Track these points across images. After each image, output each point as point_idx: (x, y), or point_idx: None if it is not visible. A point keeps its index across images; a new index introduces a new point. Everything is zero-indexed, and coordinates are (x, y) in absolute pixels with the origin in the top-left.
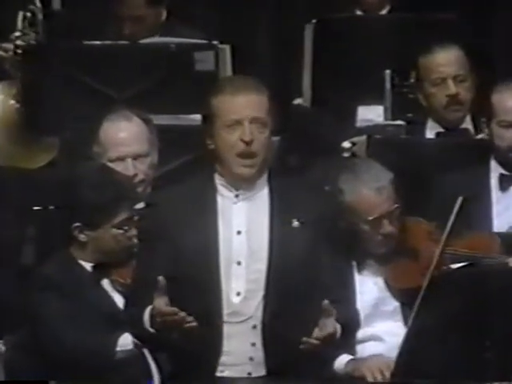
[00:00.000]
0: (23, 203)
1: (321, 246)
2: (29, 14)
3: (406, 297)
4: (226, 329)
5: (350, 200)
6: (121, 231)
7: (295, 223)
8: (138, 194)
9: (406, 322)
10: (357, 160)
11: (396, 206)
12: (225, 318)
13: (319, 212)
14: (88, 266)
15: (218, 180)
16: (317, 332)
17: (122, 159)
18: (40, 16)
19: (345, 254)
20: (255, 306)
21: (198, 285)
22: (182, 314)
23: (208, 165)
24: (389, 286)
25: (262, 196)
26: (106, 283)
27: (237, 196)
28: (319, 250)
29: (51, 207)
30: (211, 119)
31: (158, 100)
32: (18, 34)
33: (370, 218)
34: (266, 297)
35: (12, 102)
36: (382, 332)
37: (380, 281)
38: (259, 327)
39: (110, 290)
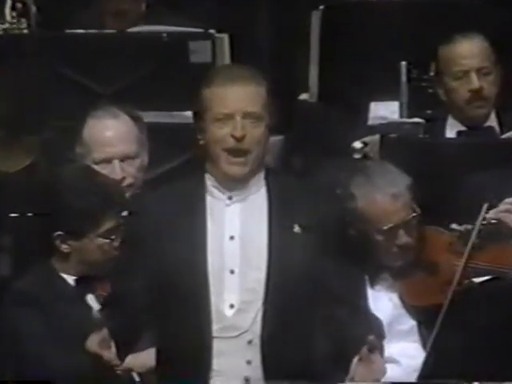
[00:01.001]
0: None
1: (326, 254)
2: (19, 5)
3: (423, 315)
4: (216, 345)
5: (363, 207)
6: (107, 241)
7: (296, 228)
8: (126, 200)
9: (423, 343)
10: (370, 163)
11: (413, 214)
12: (215, 333)
13: (324, 216)
14: (71, 279)
15: (209, 181)
16: (360, 370)
17: (108, 161)
18: (31, 6)
19: (355, 264)
20: (251, 319)
21: (184, 296)
22: (110, 357)
23: (199, 164)
24: (404, 302)
25: (259, 198)
26: (90, 299)
27: (230, 198)
28: (324, 259)
29: (30, 214)
30: (202, 113)
31: (149, 95)
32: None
33: (385, 228)
34: (264, 309)
35: None
36: (398, 354)
37: (395, 297)
38: (256, 342)
39: (95, 307)
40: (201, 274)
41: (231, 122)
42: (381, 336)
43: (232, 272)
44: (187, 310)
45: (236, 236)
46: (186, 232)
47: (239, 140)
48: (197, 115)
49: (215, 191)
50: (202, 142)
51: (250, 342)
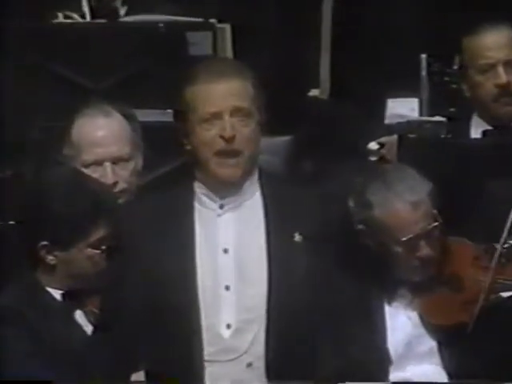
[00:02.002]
0: None
1: (332, 266)
2: None
3: (444, 335)
4: (211, 369)
5: (380, 216)
6: (98, 251)
7: (297, 237)
8: (118, 207)
9: (444, 366)
10: (388, 166)
11: (435, 223)
12: (210, 357)
13: (329, 223)
14: (57, 293)
15: (199, 188)
16: None
17: (99, 163)
18: None
19: (370, 278)
20: (250, 340)
21: (172, 317)
22: None
23: (187, 171)
24: (424, 321)
25: (253, 204)
26: (78, 315)
27: (221, 206)
28: (330, 271)
29: (11, 222)
30: (186, 114)
31: (143, 91)
32: None
33: (404, 239)
34: (267, 328)
35: None
36: (417, 377)
37: (414, 315)
38: (257, 365)
39: (83, 324)
40: (189, 291)
41: (219, 122)
42: (386, 364)
43: (227, 288)
44: (175, 331)
45: (230, 248)
46: (173, 246)
47: (229, 141)
48: (179, 117)
49: (205, 200)
50: (188, 147)
51: (249, 365)
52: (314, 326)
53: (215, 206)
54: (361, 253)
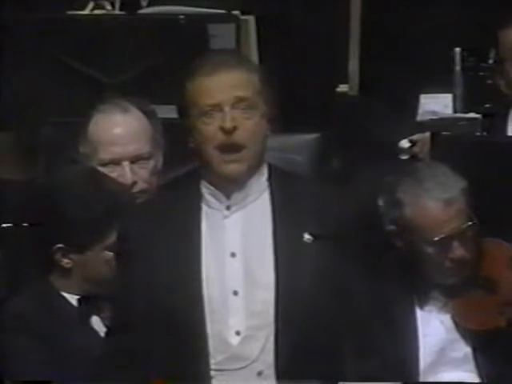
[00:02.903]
0: None
1: (346, 268)
2: None
3: (479, 340)
4: (220, 378)
5: (411, 214)
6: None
7: (307, 237)
8: (135, 208)
9: (479, 373)
10: (420, 164)
11: (469, 223)
12: (218, 366)
13: (345, 224)
14: (73, 299)
15: (206, 188)
16: None
17: (116, 162)
18: None
19: (397, 280)
20: (260, 347)
21: (177, 323)
22: None
23: (194, 170)
24: (458, 325)
25: (261, 204)
26: (95, 321)
27: (228, 208)
28: (344, 273)
29: (25, 224)
30: (187, 109)
31: (163, 86)
32: None
33: (436, 239)
34: (276, 335)
35: None
36: None
37: (447, 319)
38: (267, 374)
39: (100, 330)
40: (194, 296)
41: (219, 114)
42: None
43: (235, 293)
44: (180, 338)
45: (237, 252)
46: (179, 250)
47: (229, 132)
48: (182, 113)
49: (212, 200)
50: (191, 145)
51: (259, 374)
52: (327, 331)
53: (222, 206)
54: (387, 254)
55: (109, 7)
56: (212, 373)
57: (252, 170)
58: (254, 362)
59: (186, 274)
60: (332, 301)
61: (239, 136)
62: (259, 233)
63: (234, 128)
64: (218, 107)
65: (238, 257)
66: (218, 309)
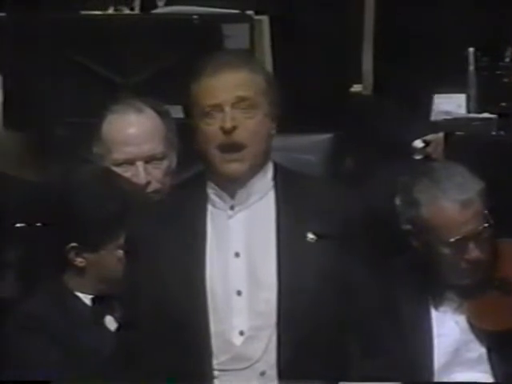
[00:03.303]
0: (2, 219)
1: (352, 267)
2: None
3: (494, 341)
4: (223, 379)
5: (427, 215)
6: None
7: (310, 237)
8: (148, 207)
9: (494, 374)
10: (436, 164)
11: (485, 224)
12: (222, 366)
13: (352, 223)
14: (87, 298)
15: (211, 189)
16: None
17: (130, 162)
18: None
19: (412, 281)
20: (263, 347)
21: (180, 323)
22: None
23: (200, 170)
24: (473, 326)
25: (266, 204)
26: (109, 321)
27: (232, 208)
28: (349, 272)
29: (38, 224)
30: (190, 109)
31: (177, 87)
32: None
33: (452, 240)
34: (278, 335)
35: None
36: None
37: (462, 320)
38: (270, 374)
39: (114, 330)
40: (197, 296)
41: (220, 114)
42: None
43: (239, 293)
44: (183, 337)
45: (241, 252)
46: (183, 249)
47: (229, 132)
48: (187, 114)
49: (216, 200)
50: (195, 145)
51: (262, 374)
52: (330, 332)
53: (226, 206)
54: (403, 254)
55: (127, 12)
56: (215, 373)
57: (255, 169)
58: (256, 362)
59: (190, 273)
60: (335, 301)
61: (239, 135)
62: (263, 232)
63: (234, 128)
64: (219, 107)
65: (241, 257)
66: (221, 309)
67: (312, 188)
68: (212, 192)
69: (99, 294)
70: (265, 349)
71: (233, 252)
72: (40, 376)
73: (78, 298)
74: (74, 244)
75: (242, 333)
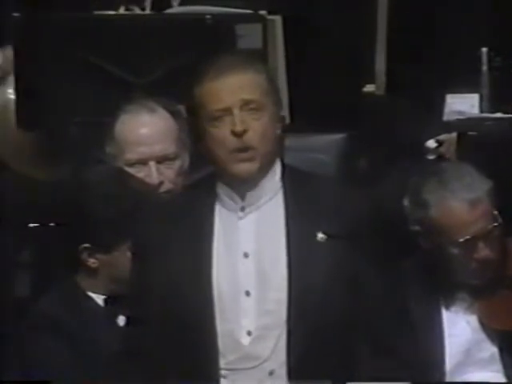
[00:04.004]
0: (15, 219)
1: (362, 267)
2: None
3: (506, 340)
4: (232, 378)
5: (436, 215)
6: None
7: (320, 236)
8: (160, 208)
9: (506, 374)
10: (445, 164)
11: (495, 224)
12: (230, 365)
13: (361, 223)
14: (100, 299)
15: (220, 189)
16: None
17: (143, 162)
18: None
19: (423, 281)
20: (272, 347)
21: (187, 323)
22: None
23: (210, 171)
24: (485, 326)
25: (275, 204)
26: (121, 321)
27: (242, 209)
28: (359, 272)
29: (52, 224)
30: (196, 112)
31: (190, 87)
32: None
33: (462, 240)
34: (288, 334)
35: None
36: None
37: (474, 320)
38: (279, 373)
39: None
40: (204, 296)
41: (229, 118)
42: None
43: (248, 294)
44: (190, 337)
45: (250, 253)
46: (191, 249)
47: (240, 135)
48: (190, 116)
49: (227, 200)
50: (202, 147)
51: (271, 374)
52: (339, 331)
53: (236, 208)
54: (413, 255)
55: (139, 12)
56: (223, 372)
57: (264, 170)
58: (265, 361)
59: (198, 273)
60: (345, 301)
61: (249, 138)
62: (272, 233)
63: (244, 131)
64: (228, 111)
65: (250, 257)
66: (229, 309)
67: (321, 188)
68: (222, 193)
69: (112, 294)
70: (273, 348)
71: (242, 252)
72: (53, 376)
73: (90, 298)
74: (86, 245)
75: (249, 333)
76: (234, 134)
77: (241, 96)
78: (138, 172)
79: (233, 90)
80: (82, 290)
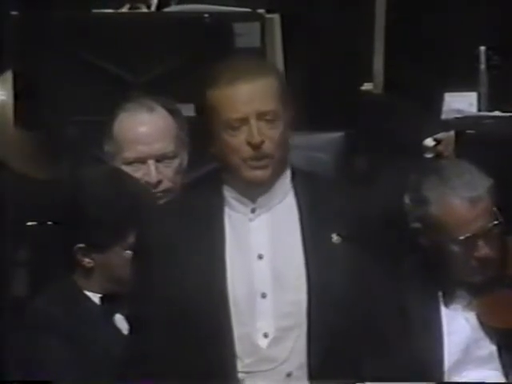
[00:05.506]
0: (13, 218)
1: (373, 267)
2: None
3: (504, 338)
4: (249, 381)
5: (437, 212)
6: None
7: (335, 238)
8: (156, 208)
9: (505, 372)
10: (445, 162)
11: (495, 222)
12: (247, 368)
13: (371, 223)
14: (96, 297)
15: (228, 192)
16: None
17: (141, 161)
18: None
19: (423, 279)
20: (289, 349)
21: (202, 327)
22: None
23: (215, 173)
24: (483, 324)
25: (287, 206)
26: (118, 319)
27: (253, 211)
28: (371, 272)
29: (49, 223)
30: (208, 116)
31: (188, 85)
32: None
33: (462, 238)
34: (309, 335)
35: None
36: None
37: (472, 317)
38: (297, 375)
39: (123, 328)
40: (219, 300)
41: (245, 127)
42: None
43: (264, 296)
44: (206, 342)
45: (265, 254)
46: (202, 253)
47: (258, 148)
48: (202, 116)
49: (236, 203)
50: (212, 150)
51: (288, 375)
52: (357, 330)
53: (246, 210)
54: (414, 253)
55: (145, 10)
56: (240, 375)
57: (278, 174)
58: (282, 363)
59: (211, 276)
60: (363, 301)
61: (266, 147)
62: (287, 234)
63: (262, 142)
64: (244, 120)
65: (265, 259)
66: (245, 311)
67: (330, 189)
68: (230, 196)
69: (108, 292)
70: (291, 350)
71: (256, 254)
72: (51, 375)
73: (87, 296)
74: (81, 245)
75: (266, 335)
76: (251, 145)
77: (257, 107)
78: (137, 170)
79: (249, 99)
80: (79, 289)
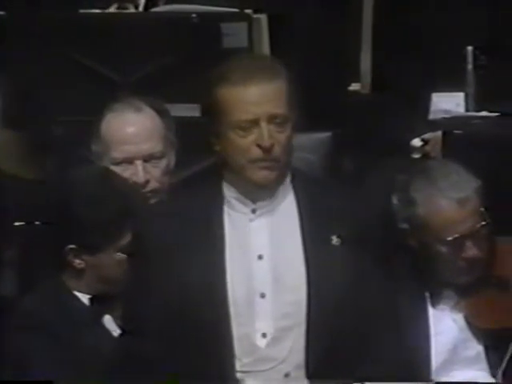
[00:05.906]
0: (2, 218)
1: (371, 268)
2: None
3: (492, 339)
4: (247, 380)
5: (424, 213)
6: (127, 256)
7: (335, 240)
8: (146, 209)
9: (492, 372)
10: (433, 162)
11: (482, 222)
12: (246, 368)
13: (368, 224)
14: (85, 298)
15: (228, 191)
16: None
17: (129, 161)
18: None
19: (411, 279)
20: (288, 349)
21: (201, 328)
22: None
23: (216, 172)
24: (471, 324)
25: (287, 207)
26: (107, 320)
27: (254, 211)
28: (369, 274)
29: (37, 222)
30: (216, 114)
31: (176, 85)
32: None
33: (450, 239)
34: (307, 336)
35: None
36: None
37: (460, 318)
38: (295, 375)
39: (112, 329)
40: (218, 300)
41: (256, 129)
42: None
43: (263, 296)
44: (205, 342)
45: (265, 255)
46: (201, 253)
47: (268, 151)
48: (209, 116)
49: (236, 203)
50: (217, 148)
51: (287, 375)
52: (355, 331)
53: (247, 210)
54: (402, 254)
55: (132, 10)
56: (239, 375)
57: (282, 176)
58: (281, 363)
59: (211, 276)
60: (361, 301)
61: (276, 151)
62: (287, 235)
63: (272, 145)
64: (254, 122)
65: (265, 259)
66: (244, 311)
67: (330, 191)
68: (231, 195)
69: (98, 293)
70: (289, 350)
71: (256, 254)
72: (39, 376)
73: (76, 297)
74: (72, 246)
75: (264, 335)
76: (261, 147)
77: (268, 109)
78: (125, 171)
79: (260, 101)
80: (68, 289)
